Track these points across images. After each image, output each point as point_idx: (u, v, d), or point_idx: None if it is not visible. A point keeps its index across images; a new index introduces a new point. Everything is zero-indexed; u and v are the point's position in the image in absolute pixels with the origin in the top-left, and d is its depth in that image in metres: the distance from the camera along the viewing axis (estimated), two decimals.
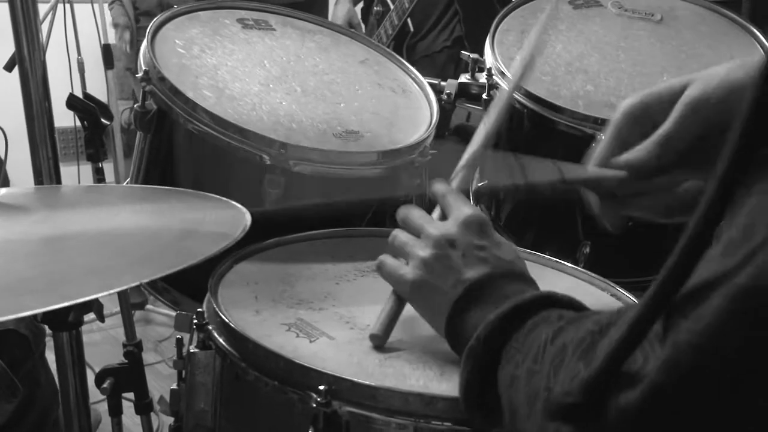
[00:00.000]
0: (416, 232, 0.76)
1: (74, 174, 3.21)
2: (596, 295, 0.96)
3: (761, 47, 1.31)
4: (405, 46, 2.42)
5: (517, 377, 0.56)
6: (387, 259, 0.78)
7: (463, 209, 0.75)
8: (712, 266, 0.39)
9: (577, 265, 1.20)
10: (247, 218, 0.73)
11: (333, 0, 2.71)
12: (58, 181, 1.17)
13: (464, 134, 2.34)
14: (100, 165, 1.31)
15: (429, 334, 0.76)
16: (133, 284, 0.57)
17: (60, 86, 3.00)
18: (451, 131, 2.35)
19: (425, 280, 0.73)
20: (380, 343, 0.76)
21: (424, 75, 1.31)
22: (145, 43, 1.08)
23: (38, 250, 0.64)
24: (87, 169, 1.68)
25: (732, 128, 0.36)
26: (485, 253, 0.72)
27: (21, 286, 0.56)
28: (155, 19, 1.13)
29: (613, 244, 1.29)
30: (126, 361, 1.29)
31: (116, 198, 0.82)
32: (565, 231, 1.29)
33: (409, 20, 2.40)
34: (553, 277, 1.02)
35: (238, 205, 0.77)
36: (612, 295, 0.95)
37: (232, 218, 0.73)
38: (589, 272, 1.02)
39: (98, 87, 3.36)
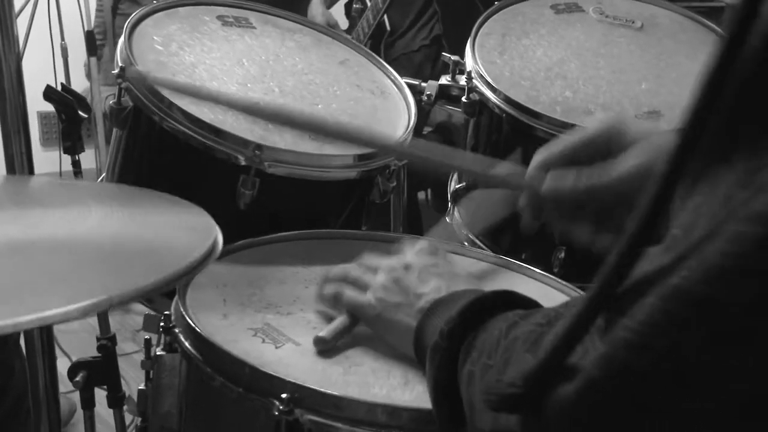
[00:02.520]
0: (371, 268, 0.81)
1: (56, 159, 3.19)
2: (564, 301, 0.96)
3: None
4: (382, 44, 2.42)
5: (473, 374, 0.57)
6: (345, 289, 0.80)
7: (417, 246, 0.81)
8: (651, 263, 0.39)
9: (552, 270, 1.21)
10: (218, 234, 0.73)
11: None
12: (31, 171, 1.16)
13: (445, 133, 2.34)
14: (77, 158, 1.30)
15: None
16: (101, 298, 0.57)
17: (43, 72, 2.99)
18: (432, 129, 2.35)
19: (386, 300, 0.76)
20: (324, 347, 0.77)
21: (401, 74, 1.31)
22: (122, 39, 1.07)
23: (4, 255, 0.63)
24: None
25: (676, 130, 0.37)
26: (440, 270, 0.76)
27: None
28: (133, 14, 1.12)
29: (588, 250, 1.30)
30: (99, 354, 1.28)
31: (89, 197, 0.81)
32: (540, 235, 1.29)
33: (385, 19, 2.40)
34: (523, 283, 1.02)
35: (209, 218, 0.77)
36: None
37: (204, 228, 0.73)
38: (559, 279, 1.03)
39: (82, 73, 3.34)
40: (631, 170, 0.68)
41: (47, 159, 3.19)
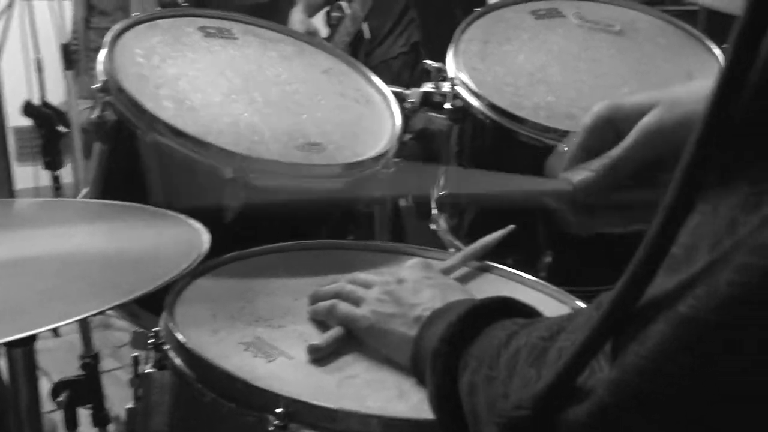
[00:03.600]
0: (365, 285, 0.82)
1: (30, 174, 3.15)
2: (556, 308, 0.96)
3: (717, 60, 1.34)
4: (362, 52, 2.42)
5: (475, 384, 0.57)
6: (339, 303, 0.81)
7: (409, 262, 0.84)
8: (656, 286, 0.39)
9: (538, 275, 1.21)
10: (206, 240, 0.72)
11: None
12: (10, 188, 1.14)
13: (426, 140, 2.34)
14: (57, 173, 1.29)
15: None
16: (95, 312, 0.56)
17: (18, 85, 2.94)
18: (413, 136, 2.35)
19: (380, 312, 0.76)
20: (318, 356, 0.77)
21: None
22: (103, 52, 1.06)
23: None
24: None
25: (687, 145, 0.37)
26: (433, 282, 0.78)
27: None
28: (114, 27, 1.11)
29: (574, 255, 1.30)
30: (83, 372, 1.26)
31: (73, 215, 0.80)
32: (527, 240, 1.30)
33: (365, 26, 2.40)
34: (514, 290, 1.02)
35: (197, 224, 0.76)
36: (572, 308, 0.96)
37: (191, 238, 0.72)
38: (549, 285, 1.03)
39: (58, 86, 3.30)
40: (638, 137, 0.72)
41: (23, 174, 3.15)
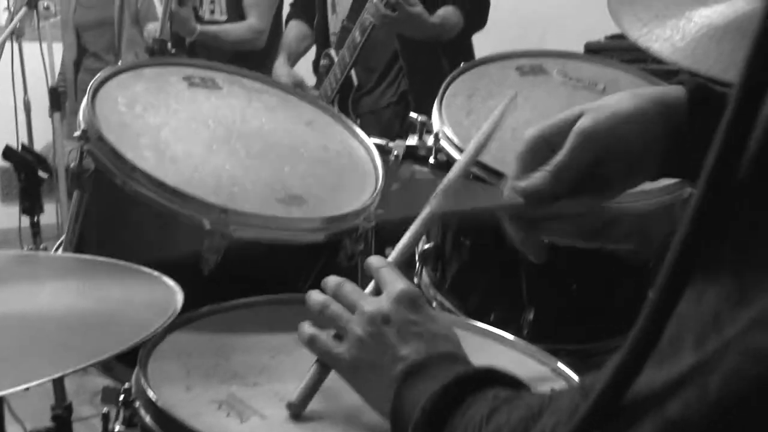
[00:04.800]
0: (349, 306, 0.77)
1: (15, 214, 3.13)
2: (536, 369, 0.95)
3: None
4: (350, 99, 2.43)
5: None
6: (319, 334, 0.78)
7: (397, 284, 0.77)
8: (641, 379, 0.38)
9: (521, 331, 1.20)
10: (179, 300, 0.71)
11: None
12: None
13: (410, 190, 2.34)
14: (35, 219, 1.27)
15: (361, 409, 0.75)
16: (61, 374, 0.54)
17: (5, 126, 2.93)
18: (399, 185, 2.35)
19: (362, 358, 0.74)
20: (297, 411, 0.75)
21: (369, 131, 1.31)
22: (85, 101, 1.05)
23: None
24: None
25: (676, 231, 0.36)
26: (420, 329, 0.73)
27: None
28: (97, 75, 1.11)
29: (557, 311, 1.30)
30: (54, 425, 1.23)
31: (46, 271, 0.79)
32: (509, 296, 1.29)
33: (353, 74, 2.41)
34: (494, 349, 1.01)
35: (171, 283, 0.75)
36: (552, 369, 0.95)
37: (164, 297, 0.71)
38: (530, 344, 1.02)
39: (45, 127, 3.30)
40: (575, 140, 0.75)
41: (8, 215, 3.13)
